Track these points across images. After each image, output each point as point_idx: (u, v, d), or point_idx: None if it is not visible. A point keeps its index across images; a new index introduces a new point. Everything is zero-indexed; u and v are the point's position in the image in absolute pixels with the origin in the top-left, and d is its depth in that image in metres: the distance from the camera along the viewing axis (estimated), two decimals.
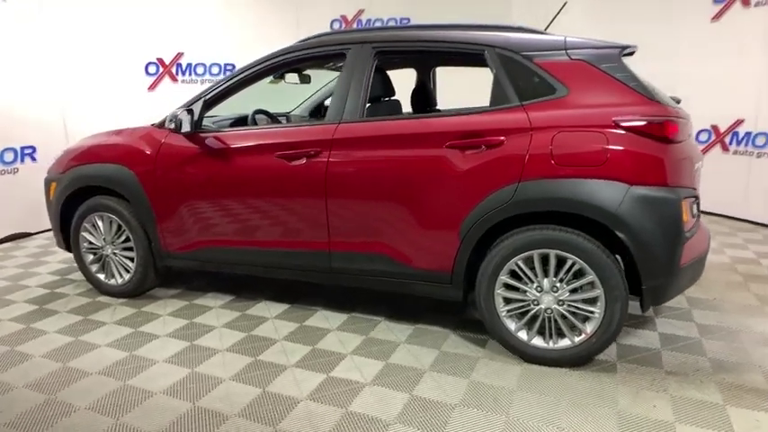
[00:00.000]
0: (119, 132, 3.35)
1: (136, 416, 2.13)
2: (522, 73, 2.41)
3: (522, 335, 2.46)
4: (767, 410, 2.09)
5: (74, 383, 2.37)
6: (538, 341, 2.44)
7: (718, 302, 3.14)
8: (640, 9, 5.34)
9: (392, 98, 3.09)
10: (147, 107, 5.77)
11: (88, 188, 3.27)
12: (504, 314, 2.47)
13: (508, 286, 2.45)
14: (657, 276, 2.23)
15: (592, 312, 2.32)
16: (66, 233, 3.42)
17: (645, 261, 2.21)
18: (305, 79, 3.78)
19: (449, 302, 2.93)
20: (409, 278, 2.64)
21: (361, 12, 6.72)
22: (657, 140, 2.21)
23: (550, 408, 2.13)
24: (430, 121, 2.56)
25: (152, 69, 5.87)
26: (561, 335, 2.41)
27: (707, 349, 2.60)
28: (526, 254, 2.36)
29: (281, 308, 3.17)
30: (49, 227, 3.60)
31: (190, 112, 2.86)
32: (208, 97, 3.00)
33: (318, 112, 4.28)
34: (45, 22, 4.91)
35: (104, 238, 3.30)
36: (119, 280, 3.34)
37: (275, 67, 2.95)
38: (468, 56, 2.61)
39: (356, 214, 2.65)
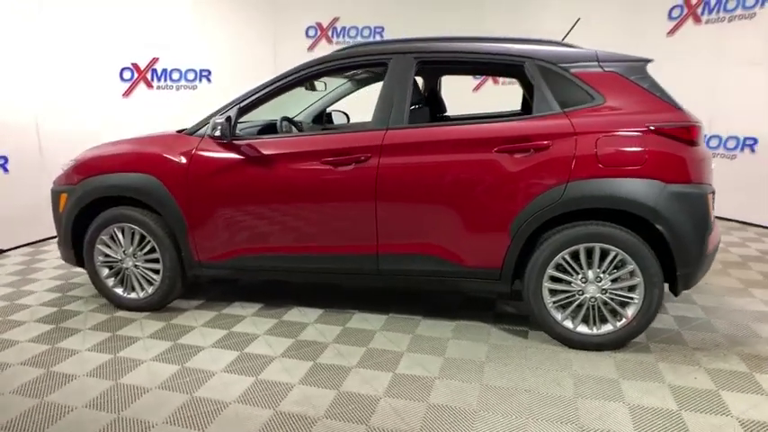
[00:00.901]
0: (140, 141, 3.24)
1: (220, 427, 2.11)
2: (561, 83, 2.63)
3: (568, 323, 2.67)
4: None
5: (138, 400, 2.30)
6: (582, 328, 2.66)
7: (709, 286, 3.53)
8: (603, 25, 5.82)
9: (422, 105, 3.21)
10: (123, 114, 5.56)
11: (104, 199, 3.14)
12: (550, 305, 2.67)
13: (554, 279, 2.65)
14: (689, 264, 2.51)
15: (632, 299, 2.57)
16: (78, 247, 3.26)
17: (679, 250, 2.48)
18: (312, 87, 3.80)
19: (481, 298, 3.10)
20: (460, 276, 2.78)
21: (336, 20, 6.80)
22: (684, 143, 2.50)
23: (611, 385, 2.34)
24: (478, 127, 2.72)
25: (127, 75, 5.63)
26: (604, 321, 2.64)
27: (717, 327, 2.93)
28: (573, 248, 2.57)
29: (316, 312, 3.20)
30: (23, 242, 3.40)
31: (229, 119, 2.84)
32: (243, 104, 2.98)
33: (320, 119, 4.31)
34: (17, 27, 4.60)
35: (124, 251, 3.17)
36: (140, 293, 3.22)
37: (314, 75, 2.98)
38: (507, 67, 2.80)
39: (407, 217, 2.75)
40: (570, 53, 2.70)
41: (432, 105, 3.77)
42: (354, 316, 3.15)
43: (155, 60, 5.82)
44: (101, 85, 5.40)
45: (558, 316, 2.67)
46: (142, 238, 3.13)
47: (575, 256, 2.60)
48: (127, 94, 5.67)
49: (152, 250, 3.13)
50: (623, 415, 2.14)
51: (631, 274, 2.55)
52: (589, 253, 2.59)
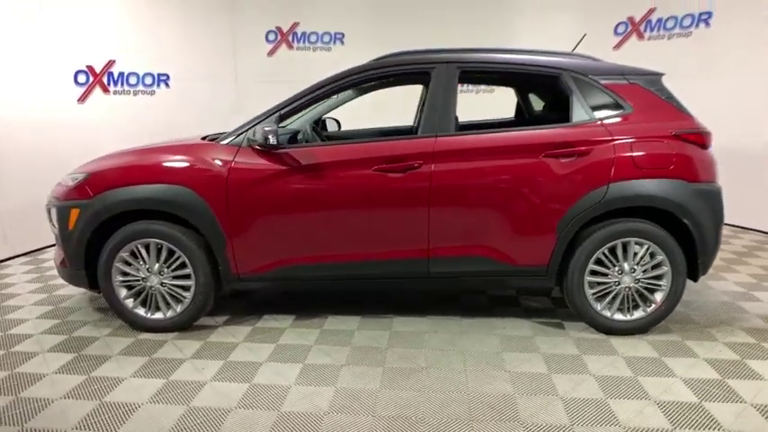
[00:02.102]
0: (166, 150, 3.04)
1: None
2: (594, 93, 2.90)
3: (606, 312, 2.94)
4: None
5: (224, 422, 2.19)
6: (618, 316, 2.94)
7: None
8: (557, 39, 6.33)
9: None
10: (79, 120, 5.11)
11: (122, 214, 2.91)
12: (591, 297, 2.92)
13: (594, 272, 2.90)
14: (707, 253, 2.88)
15: (660, 286, 2.89)
16: (91, 267, 2.99)
17: (701, 241, 2.84)
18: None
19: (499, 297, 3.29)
20: (509, 275, 2.95)
21: (296, 24, 6.73)
22: (700, 147, 2.87)
23: (656, 364, 2.63)
24: (525, 133, 2.89)
25: (81, 78, 5.16)
26: (636, 307, 2.94)
27: (712, 307, 3.36)
28: (612, 243, 2.84)
29: (354, 320, 3.20)
30: None
31: (272, 127, 2.77)
32: (284, 112, 2.93)
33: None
34: None
35: (148, 268, 2.96)
36: (167, 313, 3.02)
37: (357, 82, 2.98)
38: (544, 78, 3.01)
39: (459, 221, 2.86)
40: (599, 66, 2.98)
41: None
42: (394, 320, 3.20)
43: (111, 63, 5.40)
44: (54, 89, 4.91)
45: (598, 306, 2.93)
46: (169, 253, 2.95)
47: (611, 250, 2.87)
48: (82, 99, 5.19)
49: (181, 266, 2.96)
50: (682, 387, 2.42)
51: (660, 264, 2.86)
52: (624, 247, 2.86)
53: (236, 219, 2.88)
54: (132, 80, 5.61)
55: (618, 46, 6.09)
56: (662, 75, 3.01)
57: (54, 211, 3.08)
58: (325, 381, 2.51)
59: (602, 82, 2.92)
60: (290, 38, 6.76)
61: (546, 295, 3.61)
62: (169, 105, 5.94)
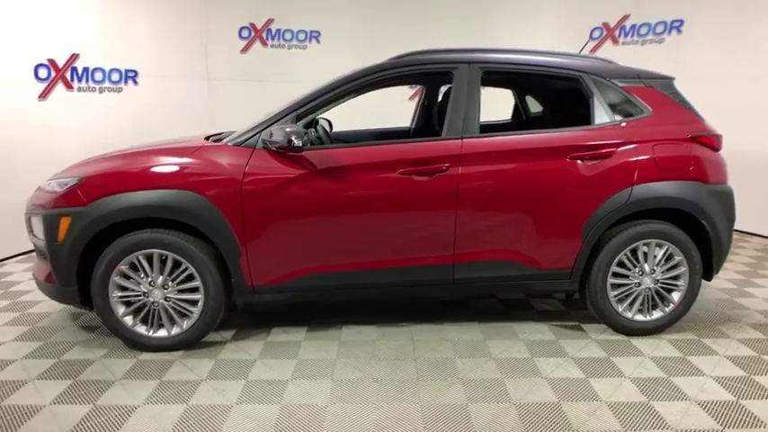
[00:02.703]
0: (170, 152, 2.78)
1: None
2: (614, 95, 2.91)
3: (627, 314, 2.95)
4: None
5: None
6: (638, 316, 2.96)
7: None
8: (533, 40, 6.43)
9: None
10: (40, 119, 4.68)
11: (119, 223, 2.65)
12: (613, 299, 2.93)
13: (616, 274, 2.91)
14: (722, 252, 2.96)
15: (678, 286, 2.94)
16: (83, 283, 2.70)
17: (716, 241, 2.90)
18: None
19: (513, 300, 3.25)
20: (535, 279, 2.90)
21: (270, 21, 6.47)
22: (713, 149, 2.94)
23: (683, 363, 2.66)
24: (549, 136, 2.85)
25: (43, 73, 4.71)
26: (654, 308, 2.97)
27: (714, 305, 3.46)
28: (633, 245, 2.86)
29: (370, 329, 3.07)
30: None
31: (296, 128, 2.59)
32: (300, 111, 2.75)
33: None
34: None
35: (151, 282, 2.71)
36: (172, 330, 2.77)
37: (379, 81, 2.84)
38: (564, 80, 2.98)
39: (486, 225, 2.79)
40: (616, 68, 3.00)
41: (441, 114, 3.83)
42: (410, 328, 3.08)
43: (74, 57, 4.96)
44: (12, 84, 4.46)
45: (620, 308, 2.94)
46: (175, 265, 2.70)
47: (633, 251, 2.89)
48: (43, 95, 4.74)
49: (187, 279, 2.72)
50: (715, 386, 2.46)
51: (678, 264, 2.91)
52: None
53: (251, 226, 2.67)
54: (98, 76, 5.18)
55: (593, 50, 6.24)
56: (673, 78, 3.06)
57: (37, 221, 2.76)
58: (362, 398, 2.36)
59: (621, 85, 2.93)
60: (265, 35, 6.49)
61: (550, 297, 3.61)
62: (138, 104, 5.55)
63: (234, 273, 2.73)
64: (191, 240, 2.67)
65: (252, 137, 2.73)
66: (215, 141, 2.92)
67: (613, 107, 2.90)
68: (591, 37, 6.26)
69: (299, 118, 2.77)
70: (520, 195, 2.78)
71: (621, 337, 2.98)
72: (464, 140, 2.76)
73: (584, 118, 3.04)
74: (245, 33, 6.41)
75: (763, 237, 5.18)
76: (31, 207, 2.86)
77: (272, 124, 2.72)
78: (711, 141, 2.93)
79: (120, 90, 5.40)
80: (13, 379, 2.51)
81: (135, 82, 5.53)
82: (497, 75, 2.95)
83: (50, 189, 2.75)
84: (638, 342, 2.92)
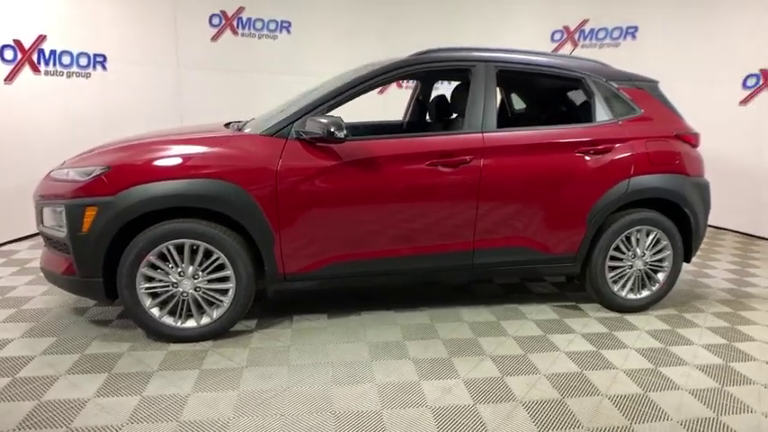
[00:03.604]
0: (200, 140, 2.75)
1: None
2: (612, 96, 3.21)
3: (621, 293, 3.28)
4: (751, 309, 3.44)
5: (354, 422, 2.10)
6: (630, 295, 3.31)
7: None
8: (500, 40, 6.75)
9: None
10: (6, 104, 4.38)
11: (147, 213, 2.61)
12: (610, 280, 3.24)
13: (612, 258, 3.23)
14: (699, 237, 3.35)
15: (663, 267, 3.31)
16: (108, 275, 2.63)
17: (696, 227, 3.29)
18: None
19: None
20: (544, 263, 3.16)
21: (241, 9, 6.37)
22: (692, 146, 3.32)
23: (671, 335, 3.02)
24: (560, 131, 3.10)
25: (8, 54, 4.39)
26: (643, 287, 3.32)
27: (682, 285, 3.90)
28: (628, 231, 3.18)
29: (388, 315, 3.20)
30: None
31: (336, 119, 2.65)
32: (332, 103, 2.82)
33: None
34: None
35: (180, 272, 2.68)
36: (201, 320, 2.76)
37: (402, 76, 2.96)
38: (568, 80, 3.24)
39: (503, 214, 3.00)
40: (613, 71, 3.30)
41: (441, 110, 4.00)
42: (428, 312, 3.25)
43: (41, 38, 4.66)
44: None
45: (615, 288, 3.26)
46: (204, 255, 2.70)
47: (627, 237, 3.22)
48: (9, 78, 4.42)
49: (217, 268, 2.72)
50: (705, 352, 2.82)
51: (663, 248, 3.27)
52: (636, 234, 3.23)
53: (285, 215, 2.72)
54: (65, 60, 4.89)
55: (555, 51, 6.66)
56: (658, 82, 3.41)
57: (50, 211, 2.65)
58: (405, 376, 2.50)
59: (616, 86, 3.24)
60: (235, 23, 6.37)
61: (542, 279, 3.91)
62: (107, 90, 5.29)
63: (267, 261, 2.76)
64: (223, 230, 2.68)
65: (284, 127, 2.76)
66: (237, 129, 2.92)
67: (611, 106, 3.20)
68: (552, 39, 6.68)
69: (329, 110, 2.83)
70: (534, 186, 3.01)
71: (615, 314, 3.31)
72: (485, 135, 2.95)
73: (568, 115, 3.30)
74: (215, 21, 6.26)
75: (711, 226, 5.81)
76: (43, 197, 2.73)
77: (303, 116, 2.76)
78: (691, 139, 3.31)
79: (88, 75, 5.12)
80: (42, 375, 2.42)
81: (104, 67, 5.26)
82: (509, 74, 3.14)
83: (70, 178, 2.64)
84: (631, 318, 3.26)
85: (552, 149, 3.03)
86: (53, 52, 4.77)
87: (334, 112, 2.82)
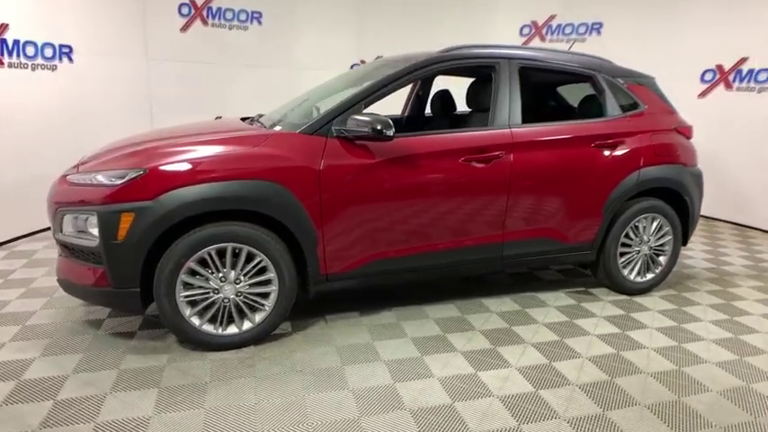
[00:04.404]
0: (237, 139, 2.64)
1: None
2: (620, 92, 3.40)
3: (630, 277, 3.51)
4: (736, 285, 3.79)
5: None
6: (637, 278, 3.54)
7: None
8: (461, 41, 6.89)
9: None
10: None
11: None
12: (621, 265, 3.46)
13: (623, 244, 3.44)
14: (695, 222, 3.64)
15: (665, 251, 3.57)
16: (145, 284, 2.49)
17: (692, 213, 3.57)
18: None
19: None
20: (565, 252, 3.31)
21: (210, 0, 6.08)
22: (687, 138, 3.59)
23: (685, 314, 3.28)
24: (577, 126, 3.24)
25: None
26: (647, 270, 3.57)
27: (674, 269, 4.21)
28: (636, 219, 3.40)
29: (419, 309, 3.23)
30: None
31: (382, 117, 2.62)
32: (368, 100, 2.79)
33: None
34: None
35: (222, 277, 2.58)
36: (243, 326, 2.68)
37: (433, 73, 2.99)
38: (580, 77, 3.39)
39: (530, 206, 3.11)
40: (619, 68, 3.49)
41: (445, 105, 4.05)
42: (456, 303, 3.32)
43: (4, 27, 4.24)
44: None
45: (625, 272, 3.48)
46: (248, 258, 2.61)
47: (635, 225, 3.44)
48: None
49: (259, 271, 2.64)
50: (714, 328, 3.09)
51: (666, 233, 3.53)
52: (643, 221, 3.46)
53: (328, 214, 2.68)
54: (30, 51, 4.48)
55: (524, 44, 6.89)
56: (655, 78, 3.65)
57: (83, 219, 2.46)
58: (469, 365, 2.56)
59: (622, 82, 3.43)
60: (205, 13, 6.08)
61: (546, 268, 4.09)
62: (74, 83, 4.90)
63: (310, 262, 2.71)
64: (265, 232, 2.60)
65: (324, 125, 2.70)
66: (260, 124, 2.84)
67: (620, 102, 3.39)
68: (521, 33, 6.91)
69: (365, 107, 2.80)
70: (558, 179, 3.15)
71: (625, 297, 3.53)
72: (513, 130, 3.04)
73: (556, 110, 3.43)
74: (184, 10, 5.94)
75: None
76: (64, 203, 2.53)
77: (341, 114, 2.72)
78: (687, 131, 3.58)
79: (54, 68, 4.72)
80: (86, 395, 2.25)
81: (70, 59, 4.87)
82: (527, 71, 3.23)
83: (98, 182, 2.46)
84: (639, 300, 3.49)
85: (573, 143, 3.18)
86: (16, 42, 4.36)
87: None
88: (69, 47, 4.85)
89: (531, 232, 3.17)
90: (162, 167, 2.44)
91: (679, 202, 3.53)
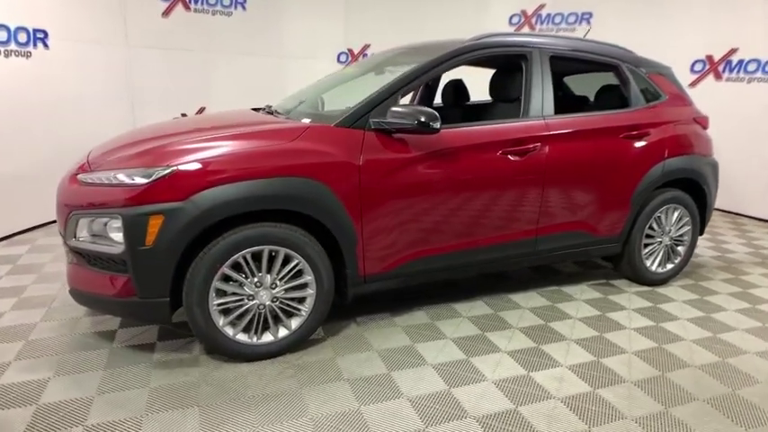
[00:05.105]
0: (270, 133, 2.43)
1: None
2: (642, 82, 3.37)
3: (652, 267, 3.51)
4: (746, 273, 3.87)
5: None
6: (659, 269, 3.55)
7: None
8: (453, 30, 6.78)
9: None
10: None
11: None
12: (644, 256, 3.45)
13: (646, 235, 3.43)
14: (710, 211, 3.67)
15: (684, 241, 3.59)
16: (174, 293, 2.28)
17: (710, 202, 3.60)
18: None
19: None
20: (595, 245, 3.26)
21: None
22: (704, 128, 3.60)
23: (709, 304, 3.30)
24: (607, 117, 3.18)
25: None
26: (668, 260, 3.58)
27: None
28: (660, 210, 3.40)
29: (448, 308, 3.13)
30: None
31: (429, 109, 2.47)
32: (402, 91, 2.64)
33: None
34: None
35: (257, 282, 2.39)
36: (279, 333, 2.50)
37: (466, 62, 2.83)
38: (605, 66, 3.33)
39: (564, 199, 3.04)
40: (642, 58, 3.45)
41: (459, 95, 3.92)
42: (484, 300, 3.24)
43: None
44: None
45: (648, 263, 3.48)
46: (284, 261, 2.43)
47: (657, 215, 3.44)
48: None
49: (295, 275, 2.47)
50: (741, 316, 3.12)
51: (685, 223, 3.54)
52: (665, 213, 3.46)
53: (368, 213, 2.52)
54: (2, 35, 4.07)
55: None
56: (671, 68, 3.64)
57: (103, 223, 2.22)
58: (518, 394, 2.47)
59: (644, 72, 3.40)
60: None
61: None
62: (50, 72, 4.51)
63: (349, 263, 2.55)
64: (303, 233, 2.42)
65: (361, 118, 2.53)
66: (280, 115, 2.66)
67: (644, 92, 3.36)
68: (510, 22, 6.85)
69: (401, 97, 2.65)
70: (590, 171, 3.09)
71: (647, 288, 3.54)
72: (547, 121, 2.95)
73: (567, 101, 3.39)
74: None
75: None
76: (78, 206, 2.28)
77: (378, 105, 2.56)
78: (704, 122, 3.59)
79: (29, 55, 4.32)
80: (120, 419, 2.03)
81: (45, 45, 4.47)
82: (556, 60, 3.14)
83: (119, 182, 2.22)
84: (662, 290, 3.50)
85: (604, 134, 3.12)
86: None
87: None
88: (45, 32, 4.45)
89: (563, 226, 3.11)
90: (193, 164, 2.22)
91: (697, 192, 3.54)
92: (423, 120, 2.43)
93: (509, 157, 2.82)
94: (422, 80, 2.73)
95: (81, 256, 2.36)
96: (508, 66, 3.18)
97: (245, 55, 6.24)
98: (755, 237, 4.96)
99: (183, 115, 4.21)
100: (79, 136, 4.78)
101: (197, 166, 2.22)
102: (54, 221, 4.72)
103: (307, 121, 2.65)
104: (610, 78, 3.49)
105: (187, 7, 5.73)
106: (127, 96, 5.39)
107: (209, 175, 2.21)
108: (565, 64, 3.30)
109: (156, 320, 2.37)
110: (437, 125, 2.45)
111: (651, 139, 3.26)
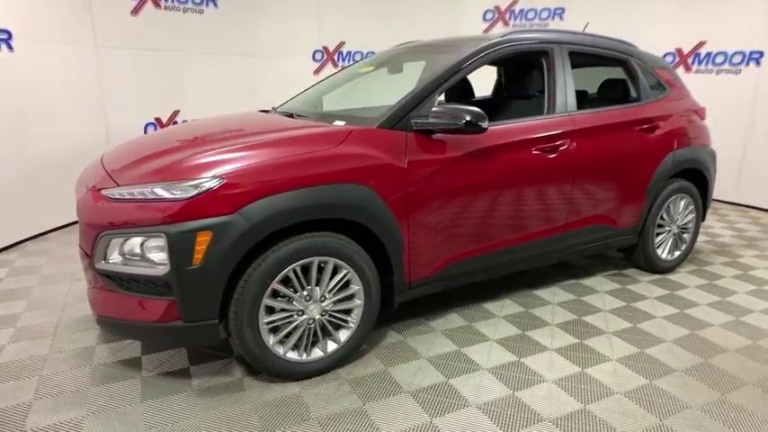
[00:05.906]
0: (314, 137, 2.28)
1: None
2: (649, 76, 3.45)
3: (662, 255, 3.62)
4: (740, 256, 4.07)
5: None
6: (668, 257, 3.66)
7: None
8: (427, 26, 6.77)
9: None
10: None
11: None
12: (656, 245, 3.55)
13: (657, 225, 3.53)
14: (710, 199, 3.82)
15: (688, 229, 3.72)
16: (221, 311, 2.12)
17: (711, 190, 3.75)
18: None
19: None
20: (616, 237, 3.32)
21: None
22: (702, 119, 3.75)
23: (720, 288, 3.44)
24: (623, 111, 3.22)
25: None
26: (676, 248, 3.70)
27: None
28: (670, 200, 3.50)
29: (478, 308, 3.09)
30: None
31: (476, 109, 2.40)
32: (439, 90, 2.56)
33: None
34: None
35: (307, 296, 2.26)
36: (328, 348, 2.38)
37: (489, 59, 2.76)
38: (615, 61, 3.37)
39: (589, 194, 3.06)
40: (647, 53, 3.53)
41: (465, 92, 3.88)
42: (508, 299, 3.23)
43: None
44: None
45: (659, 251, 3.58)
46: (333, 272, 2.30)
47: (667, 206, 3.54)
48: None
49: (343, 286, 2.35)
50: (752, 298, 3.27)
51: (690, 212, 3.68)
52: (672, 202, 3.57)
53: (414, 217, 2.44)
54: None
55: (486, 31, 6.90)
56: (671, 62, 3.76)
57: (138, 243, 2.02)
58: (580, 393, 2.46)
59: (651, 66, 3.49)
60: None
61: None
62: (14, 75, 4.12)
63: (396, 270, 2.46)
64: (350, 242, 2.30)
65: (402, 118, 2.44)
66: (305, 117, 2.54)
67: (652, 86, 3.44)
68: (484, 18, 6.91)
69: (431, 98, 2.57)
70: (611, 164, 3.13)
71: (658, 276, 3.64)
72: (573, 117, 2.96)
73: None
74: None
75: None
76: (108, 225, 2.06)
77: (416, 106, 2.47)
78: (702, 113, 3.73)
79: None
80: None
81: (9, 46, 4.07)
82: (572, 56, 3.15)
83: (157, 196, 2.02)
84: (672, 277, 3.62)
85: (622, 128, 3.17)
86: None
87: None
88: (8, 32, 4.05)
89: (588, 220, 3.14)
90: (241, 174, 2.05)
91: (700, 181, 3.68)
92: (469, 119, 2.36)
93: (543, 153, 2.81)
94: (455, 79, 2.65)
95: (111, 280, 2.14)
96: (525, 63, 3.17)
97: (219, 54, 5.97)
98: (734, 221, 5.24)
99: (157, 120, 3.93)
100: (47, 142, 4.41)
101: (245, 175, 2.06)
102: (28, 239, 4.34)
103: (341, 123, 2.53)
104: (610, 73, 3.55)
105: (157, 5, 5.39)
106: (98, 99, 5.01)
107: (258, 185, 2.05)
108: (578, 59, 3.32)
109: (203, 345, 2.19)
110: (485, 124, 2.39)
111: (661, 131, 3.35)
